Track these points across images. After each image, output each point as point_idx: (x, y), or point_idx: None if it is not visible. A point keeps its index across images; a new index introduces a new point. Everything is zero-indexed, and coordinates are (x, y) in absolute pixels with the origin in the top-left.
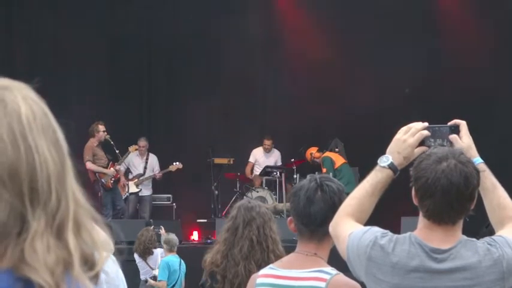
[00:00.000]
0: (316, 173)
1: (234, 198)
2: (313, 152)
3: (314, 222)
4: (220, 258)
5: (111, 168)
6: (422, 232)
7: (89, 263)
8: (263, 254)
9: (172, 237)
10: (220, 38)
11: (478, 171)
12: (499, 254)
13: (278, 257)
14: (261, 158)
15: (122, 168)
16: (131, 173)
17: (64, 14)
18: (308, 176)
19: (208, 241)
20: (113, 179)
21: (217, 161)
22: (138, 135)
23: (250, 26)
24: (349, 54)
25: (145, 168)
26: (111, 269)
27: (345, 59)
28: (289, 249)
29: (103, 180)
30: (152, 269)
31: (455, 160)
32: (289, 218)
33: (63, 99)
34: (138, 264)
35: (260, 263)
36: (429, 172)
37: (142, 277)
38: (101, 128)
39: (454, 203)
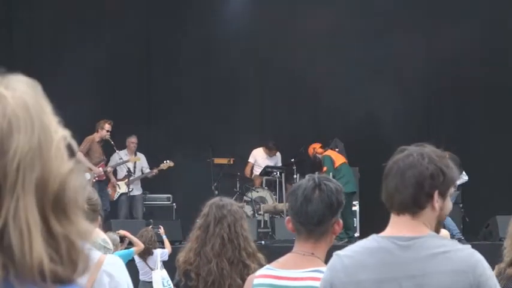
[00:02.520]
0: (317, 173)
1: (234, 198)
2: (316, 147)
3: (311, 221)
4: (193, 256)
5: (100, 168)
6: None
7: (52, 275)
8: (235, 252)
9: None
10: (220, 38)
11: (445, 175)
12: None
13: (250, 255)
14: (261, 159)
15: (109, 169)
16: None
17: (64, 13)
18: (307, 176)
19: None
20: (96, 178)
21: (217, 161)
22: (138, 135)
23: (249, 26)
24: (349, 54)
25: (134, 167)
26: (117, 272)
27: (345, 59)
28: (290, 249)
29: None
30: (152, 269)
31: (426, 157)
32: (287, 218)
33: (62, 99)
34: (137, 265)
35: (232, 260)
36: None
37: (141, 277)
38: (107, 127)
39: (399, 185)
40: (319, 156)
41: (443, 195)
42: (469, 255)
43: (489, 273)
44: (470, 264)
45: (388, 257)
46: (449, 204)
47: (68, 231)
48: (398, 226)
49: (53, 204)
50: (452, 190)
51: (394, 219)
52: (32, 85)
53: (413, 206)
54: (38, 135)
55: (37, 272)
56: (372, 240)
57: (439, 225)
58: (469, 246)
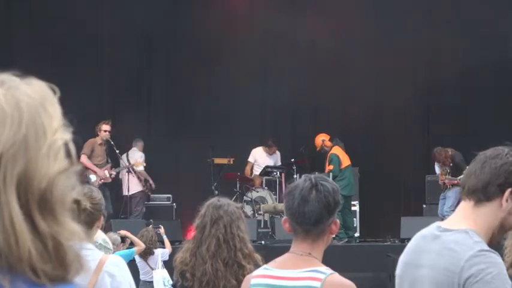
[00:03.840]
0: (316, 173)
1: (234, 198)
2: (325, 139)
3: (308, 221)
4: (189, 257)
5: (105, 171)
6: None
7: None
8: (230, 253)
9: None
10: (221, 38)
11: None
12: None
13: (246, 256)
14: (261, 158)
15: (113, 173)
16: (134, 171)
17: (64, 12)
18: (303, 176)
19: None
20: (102, 180)
21: (217, 161)
22: (138, 135)
23: (250, 26)
24: (350, 54)
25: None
26: (119, 272)
27: (345, 59)
28: (289, 249)
29: (90, 177)
30: (152, 269)
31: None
32: (283, 218)
33: (63, 99)
34: (138, 264)
35: (227, 261)
36: None
37: (142, 277)
38: (104, 127)
39: (479, 170)
40: (327, 149)
41: None
42: (469, 256)
43: (482, 278)
44: (462, 265)
45: (420, 244)
46: None
47: (55, 231)
48: (453, 215)
49: (39, 203)
50: None
51: (459, 205)
52: (41, 89)
53: (482, 192)
54: (26, 131)
55: (27, 267)
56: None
57: (502, 230)
58: (482, 248)
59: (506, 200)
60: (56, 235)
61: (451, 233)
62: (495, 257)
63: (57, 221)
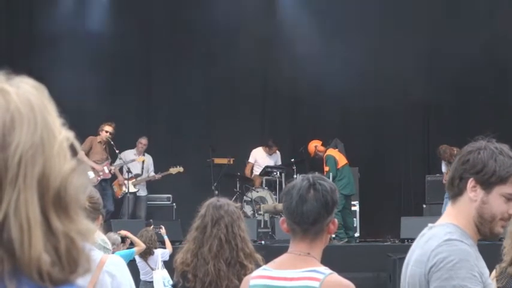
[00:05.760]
0: (316, 172)
1: (234, 198)
2: (317, 144)
3: (307, 221)
4: (191, 257)
5: (105, 167)
6: None
7: (44, 275)
8: (232, 253)
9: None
10: (221, 37)
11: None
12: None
13: (248, 256)
14: (261, 158)
15: (113, 168)
16: (130, 172)
17: (63, 10)
18: (300, 176)
19: None
20: (100, 177)
21: (217, 161)
22: (138, 135)
23: (249, 26)
24: (349, 54)
25: (142, 168)
26: (119, 272)
27: (345, 59)
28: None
29: (88, 174)
30: (152, 269)
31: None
32: (281, 218)
33: (63, 98)
34: (138, 265)
35: (229, 261)
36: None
37: (142, 277)
38: (105, 128)
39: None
40: (321, 154)
41: (484, 187)
42: (435, 246)
43: (444, 266)
44: (429, 254)
45: (414, 244)
46: (496, 204)
47: (69, 229)
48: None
49: (54, 202)
50: (505, 190)
51: None
52: (37, 86)
53: (451, 188)
54: (41, 132)
55: (35, 269)
56: None
57: (484, 221)
58: (449, 238)
59: (472, 190)
60: (69, 233)
61: (433, 229)
62: (459, 244)
63: (71, 219)
